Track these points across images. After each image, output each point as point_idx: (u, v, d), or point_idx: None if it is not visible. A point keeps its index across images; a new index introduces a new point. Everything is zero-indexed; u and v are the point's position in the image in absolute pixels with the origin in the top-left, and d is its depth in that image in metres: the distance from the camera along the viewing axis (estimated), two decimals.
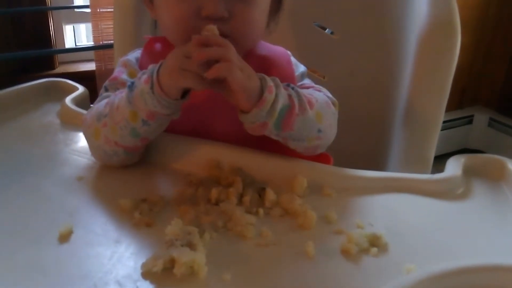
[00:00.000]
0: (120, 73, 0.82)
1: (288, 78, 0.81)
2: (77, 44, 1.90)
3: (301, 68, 0.87)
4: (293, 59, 0.87)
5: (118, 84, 0.81)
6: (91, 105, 0.82)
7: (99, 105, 0.75)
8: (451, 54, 0.88)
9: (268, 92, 0.69)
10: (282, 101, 0.70)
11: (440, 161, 0.94)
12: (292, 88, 0.74)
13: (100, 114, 0.73)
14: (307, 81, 0.87)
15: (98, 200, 0.69)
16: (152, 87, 0.68)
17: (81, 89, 0.99)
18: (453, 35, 0.87)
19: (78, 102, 0.95)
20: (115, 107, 0.71)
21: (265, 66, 0.81)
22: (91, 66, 1.72)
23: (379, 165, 1.00)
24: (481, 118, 2.60)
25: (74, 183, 0.72)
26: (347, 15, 1.10)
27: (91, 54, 1.71)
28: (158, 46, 0.85)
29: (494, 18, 2.46)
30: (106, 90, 0.82)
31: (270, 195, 0.70)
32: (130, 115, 0.70)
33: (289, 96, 0.72)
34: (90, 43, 1.77)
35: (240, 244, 0.61)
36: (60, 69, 1.75)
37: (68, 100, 0.93)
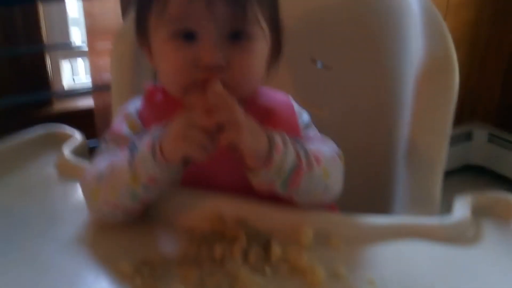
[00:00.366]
0: (121, 125, 0.81)
1: (292, 130, 0.79)
2: (75, 79, 1.89)
3: (304, 116, 0.86)
4: (296, 106, 0.86)
5: (118, 138, 0.79)
6: (90, 159, 0.80)
7: (100, 164, 0.74)
8: (450, 91, 0.87)
9: (276, 153, 0.68)
10: (290, 160, 0.69)
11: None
12: (299, 144, 0.73)
13: (100, 174, 0.72)
14: (311, 132, 0.85)
15: (98, 264, 0.66)
16: (154, 153, 0.67)
17: (78, 136, 0.97)
18: (451, 72, 0.86)
19: (76, 150, 0.93)
20: (115, 170, 0.70)
21: (268, 118, 0.79)
22: (89, 102, 1.71)
23: (384, 206, 0.98)
24: (480, 133, 2.60)
25: (74, 245, 0.70)
26: (344, 51, 1.09)
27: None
28: (159, 96, 0.83)
29: (487, 34, 2.47)
30: (106, 142, 0.80)
31: (276, 249, 0.67)
32: (131, 179, 0.68)
33: (297, 154, 0.71)
34: (89, 77, 1.75)
35: None
36: (57, 105, 1.73)
37: (66, 150, 0.91)
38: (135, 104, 0.85)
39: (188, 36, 0.72)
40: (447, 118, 0.90)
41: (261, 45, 0.76)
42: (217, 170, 0.79)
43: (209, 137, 0.64)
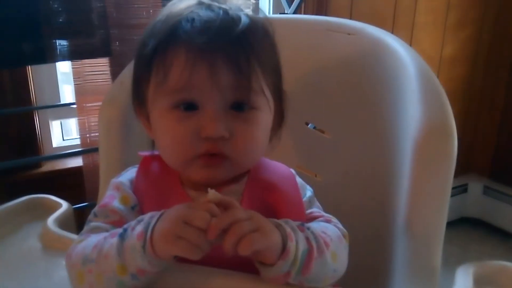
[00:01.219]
0: (112, 198, 0.77)
1: (295, 207, 0.78)
2: (65, 138, 1.87)
3: (308, 191, 0.84)
4: (298, 180, 0.84)
5: (109, 212, 0.75)
6: (76, 237, 0.75)
7: (87, 243, 0.69)
8: (450, 159, 0.85)
9: (290, 241, 0.66)
10: (302, 246, 0.67)
11: None
12: (308, 229, 0.71)
13: (86, 257, 0.67)
14: (315, 209, 0.83)
15: None
16: (144, 246, 0.62)
17: (64, 205, 0.94)
18: (450, 139, 0.84)
19: (62, 221, 0.90)
20: (103, 255, 0.65)
21: (272, 193, 0.77)
22: (78, 162, 1.68)
23: (382, 276, 0.95)
24: (475, 186, 2.62)
25: None
26: (340, 115, 1.08)
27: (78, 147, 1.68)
28: (155, 166, 0.80)
29: (480, 88, 2.51)
30: (95, 215, 0.76)
31: None
32: (119, 268, 0.64)
33: (307, 239, 0.69)
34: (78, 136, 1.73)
35: None
36: (46, 167, 1.70)
37: (50, 221, 0.88)
38: (129, 175, 0.81)
39: (190, 107, 0.70)
40: (446, 187, 0.88)
41: (265, 115, 0.74)
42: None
43: (204, 236, 0.61)
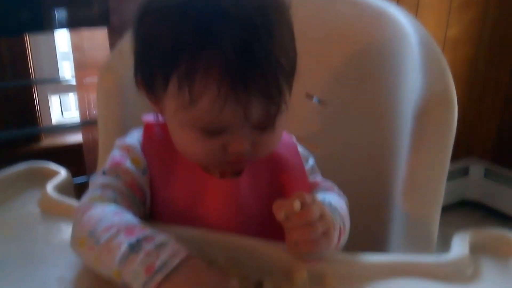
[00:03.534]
0: (123, 159, 0.76)
1: (300, 176, 0.80)
2: (64, 113, 1.87)
3: (310, 160, 0.85)
4: (300, 149, 0.85)
5: (120, 172, 0.74)
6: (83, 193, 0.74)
7: (101, 216, 0.65)
8: (450, 126, 0.85)
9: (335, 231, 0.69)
10: (337, 233, 0.70)
11: None
12: (335, 210, 0.73)
13: (94, 233, 0.64)
14: (318, 177, 0.85)
15: None
16: (147, 283, 0.58)
17: (63, 173, 0.94)
18: (450, 107, 0.84)
19: (61, 188, 0.90)
20: (108, 247, 0.62)
21: (278, 165, 0.80)
22: (78, 138, 1.69)
23: (380, 242, 0.95)
24: (476, 169, 2.61)
25: (54, 286, 0.66)
26: (340, 86, 1.07)
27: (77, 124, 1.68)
28: (157, 131, 0.79)
29: (484, 70, 2.49)
30: (104, 173, 0.74)
31: None
32: (115, 272, 0.61)
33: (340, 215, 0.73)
34: (78, 112, 1.73)
35: None
36: (46, 142, 1.71)
37: (49, 187, 0.88)
38: (135, 138, 0.80)
39: (218, 131, 0.68)
40: (446, 154, 0.88)
41: (284, 116, 0.73)
42: (210, 206, 0.76)
43: None
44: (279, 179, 0.80)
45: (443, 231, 0.89)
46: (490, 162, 2.58)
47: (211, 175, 0.77)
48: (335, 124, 1.09)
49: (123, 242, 0.60)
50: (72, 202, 0.85)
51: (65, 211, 0.83)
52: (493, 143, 2.58)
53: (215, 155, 0.70)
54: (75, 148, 1.65)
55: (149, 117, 0.81)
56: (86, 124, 1.56)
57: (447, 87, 0.86)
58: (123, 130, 0.99)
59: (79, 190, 1.00)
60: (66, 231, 0.79)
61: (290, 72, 0.70)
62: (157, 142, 0.78)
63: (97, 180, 0.74)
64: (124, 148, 0.78)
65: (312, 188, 0.82)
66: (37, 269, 0.70)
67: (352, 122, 1.07)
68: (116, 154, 0.77)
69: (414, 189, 0.87)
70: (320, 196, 0.78)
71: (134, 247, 0.59)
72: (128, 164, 0.75)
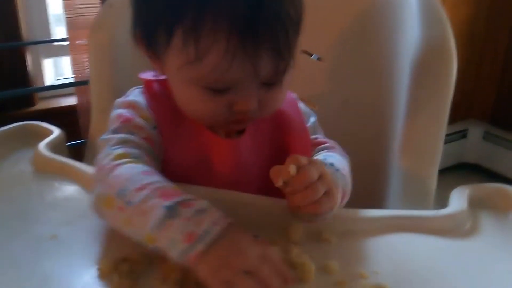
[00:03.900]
0: (131, 115, 0.72)
1: (302, 133, 0.79)
2: (59, 78, 1.85)
3: (312, 117, 0.84)
4: (301, 105, 0.83)
5: (133, 128, 0.70)
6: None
7: (130, 175, 0.61)
8: (448, 80, 0.83)
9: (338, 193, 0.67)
10: (341, 194, 0.69)
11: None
12: (337, 170, 0.72)
13: (124, 192, 0.60)
14: (320, 136, 0.84)
15: (73, 262, 0.62)
16: (186, 252, 0.54)
17: (56, 132, 0.93)
18: (449, 60, 0.83)
19: (54, 146, 0.89)
20: (141, 209, 0.58)
21: (282, 121, 0.78)
22: (72, 101, 1.67)
23: (378, 199, 0.95)
24: (475, 131, 2.61)
25: (47, 243, 0.65)
26: (338, 42, 1.05)
27: (72, 88, 1.66)
28: (156, 87, 0.77)
29: (483, 32, 2.47)
30: (116, 133, 0.70)
31: None
32: (148, 235, 0.57)
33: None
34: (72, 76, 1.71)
35: None
36: (40, 105, 1.69)
37: (42, 145, 0.86)
38: (138, 95, 0.77)
39: (224, 89, 0.66)
40: (444, 107, 0.86)
41: (289, 77, 0.71)
42: (215, 165, 0.75)
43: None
44: (281, 137, 0.79)
45: (442, 193, 0.89)
46: (489, 125, 2.58)
47: (216, 135, 0.75)
48: (333, 81, 1.08)
49: (159, 205, 0.56)
50: (65, 160, 0.83)
51: (58, 169, 0.82)
52: (492, 106, 2.57)
53: (220, 114, 0.68)
54: (70, 111, 1.63)
55: (146, 75, 0.78)
56: (80, 84, 1.54)
57: (446, 39, 0.84)
58: (116, 88, 0.98)
59: (73, 153, 0.99)
60: (59, 188, 0.79)
61: (298, 27, 0.68)
62: (161, 100, 0.75)
63: (110, 138, 0.69)
64: (129, 105, 0.74)
65: (314, 146, 0.81)
66: (30, 227, 0.69)
67: (349, 77, 1.06)
68: (121, 112, 0.73)
69: (412, 145, 0.86)
70: (322, 156, 0.77)
71: (171, 211, 0.56)
72: (138, 119, 0.72)
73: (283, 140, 0.79)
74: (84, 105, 1.58)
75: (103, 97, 1.00)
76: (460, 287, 0.60)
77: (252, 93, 0.67)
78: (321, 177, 0.63)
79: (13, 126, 0.96)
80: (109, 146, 0.68)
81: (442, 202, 0.77)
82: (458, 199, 0.76)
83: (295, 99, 0.83)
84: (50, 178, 0.81)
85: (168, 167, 0.74)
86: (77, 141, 1.48)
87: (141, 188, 0.59)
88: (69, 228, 0.68)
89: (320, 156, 0.78)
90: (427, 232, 0.70)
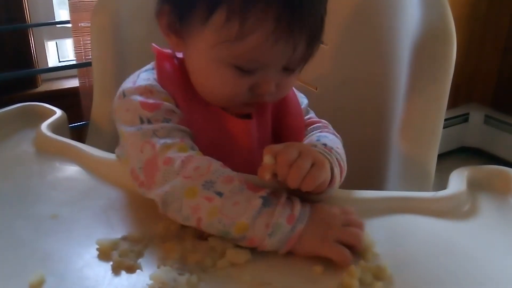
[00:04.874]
0: (157, 100, 0.70)
1: (298, 116, 0.81)
2: (61, 60, 1.84)
3: (304, 99, 0.85)
4: (294, 89, 0.84)
5: (166, 113, 0.69)
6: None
7: (212, 167, 0.63)
8: (448, 62, 0.83)
9: (335, 167, 0.69)
10: (338, 169, 0.70)
11: (438, 159, 0.90)
12: (331, 149, 0.72)
13: (211, 183, 0.62)
14: (312, 115, 0.85)
15: (74, 242, 0.62)
16: (289, 235, 0.60)
17: (58, 112, 0.93)
18: (449, 42, 0.82)
19: (56, 127, 0.89)
20: (233, 200, 0.61)
21: (279, 105, 0.79)
22: (75, 83, 1.67)
23: (378, 181, 0.95)
24: (476, 115, 2.59)
25: (48, 222, 0.66)
26: (338, 24, 1.05)
27: (74, 70, 1.66)
28: (168, 67, 0.75)
29: (484, 15, 2.45)
30: (149, 122, 0.68)
31: None
32: (241, 224, 0.60)
33: (337, 160, 0.71)
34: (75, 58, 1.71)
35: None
36: (43, 87, 1.69)
37: (44, 126, 0.87)
38: (148, 78, 0.74)
39: (253, 70, 0.67)
40: (444, 89, 0.86)
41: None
42: (232, 145, 0.75)
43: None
44: (280, 119, 0.80)
45: (443, 177, 0.89)
46: (490, 109, 2.56)
47: (230, 115, 0.75)
48: (333, 63, 1.07)
49: (254, 196, 0.61)
50: (66, 141, 0.84)
51: (59, 150, 0.83)
52: (493, 89, 2.55)
53: (241, 95, 0.69)
54: (72, 93, 1.63)
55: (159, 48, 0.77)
56: (82, 66, 1.54)
57: (445, 21, 0.84)
58: (119, 69, 0.98)
59: (76, 135, 0.99)
60: (60, 169, 0.79)
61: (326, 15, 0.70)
62: (173, 77, 0.74)
63: (155, 129, 0.67)
64: (145, 91, 0.71)
65: (307, 126, 0.82)
66: (31, 206, 0.70)
67: (348, 59, 1.05)
68: (141, 99, 0.69)
69: (412, 128, 0.86)
70: (315, 137, 0.78)
71: (267, 201, 0.61)
72: (165, 104, 0.70)
73: (281, 122, 0.80)
74: (86, 87, 1.58)
75: (105, 79, 1.00)
76: (459, 268, 0.60)
77: (275, 77, 0.68)
78: (301, 153, 0.63)
79: (16, 107, 0.96)
80: (158, 138, 0.66)
81: (444, 186, 0.77)
82: (457, 181, 0.76)
83: None
84: (52, 158, 0.82)
85: None
86: (79, 123, 1.48)
87: (229, 180, 0.62)
88: (70, 208, 0.69)
89: (313, 136, 0.78)
90: (426, 214, 0.70)
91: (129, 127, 0.68)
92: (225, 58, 0.66)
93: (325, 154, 0.69)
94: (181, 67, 0.74)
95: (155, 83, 0.72)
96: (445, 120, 1.06)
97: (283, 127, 0.80)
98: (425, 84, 0.85)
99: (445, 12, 0.85)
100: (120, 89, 0.73)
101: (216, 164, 0.64)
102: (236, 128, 0.75)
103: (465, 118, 2.60)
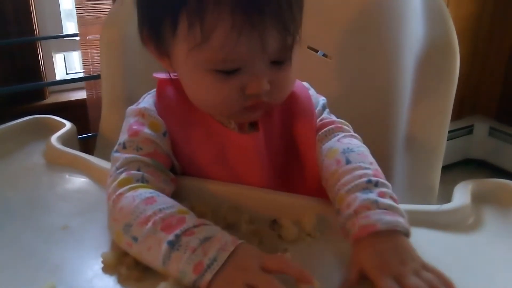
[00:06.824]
0: (140, 125, 0.72)
1: (308, 117, 0.79)
2: (69, 72, 1.86)
3: (320, 100, 0.83)
4: (312, 92, 0.83)
5: (140, 142, 0.71)
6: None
7: (133, 207, 0.62)
8: (451, 76, 0.84)
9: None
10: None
11: (442, 172, 0.90)
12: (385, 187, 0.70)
13: (128, 227, 0.61)
14: (326, 115, 0.82)
15: (83, 252, 0.63)
16: (197, 282, 0.55)
17: (68, 125, 0.95)
18: (452, 56, 0.83)
19: (65, 139, 0.91)
20: (147, 245, 0.59)
21: (290, 105, 0.78)
22: (82, 95, 1.69)
23: None
24: (481, 127, 2.59)
25: (58, 233, 0.67)
26: (342, 37, 1.06)
27: (82, 82, 1.68)
28: (169, 91, 0.77)
29: (488, 27, 2.45)
30: (125, 147, 0.71)
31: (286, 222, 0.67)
32: (161, 270, 0.58)
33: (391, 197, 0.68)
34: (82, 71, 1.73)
35: None
36: (50, 99, 1.71)
37: (54, 138, 0.88)
38: (148, 100, 0.77)
39: (233, 70, 0.66)
40: (448, 102, 0.87)
41: (296, 57, 0.71)
42: (233, 162, 0.75)
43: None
44: (290, 122, 0.79)
45: (447, 189, 0.89)
46: (495, 121, 2.56)
47: (230, 130, 0.75)
48: (337, 76, 1.08)
49: (163, 240, 0.57)
50: (76, 153, 0.85)
51: (69, 162, 0.84)
52: (498, 102, 2.55)
53: (233, 100, 0.68)
54: (79, 105, 1.65)
55: (160, 75, 0.79)
56: (90, 79, 1.56)
57: (449, 36, 0.85)
58: (127, 84, 0.99)
59: (83, 146, 1.01)
60: (70, 180, 0.81)
61: (302, 2, 0.68)
62: (173, 100, 0.76)
63: (119, 157, 0.70)
64: (138, 114, 0.74)
65: (321, 128, 0.80)
66: (41, 217, 0.71)
67: (352, 72, 1.06)
68: (131, 122, 0.73)
69: (416, 141, 0.86)
70: (342, 156, 0.73)
71: (174, 245, 0.57)
72: (146, 130, 0.72)
73: (292, 125, 0.79)
74: (93, 99, 1.60)
75: (113, 92, 1.02)
76: (462, 282, 0.60)
77: (262, 72, 0.67)
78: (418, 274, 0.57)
79: (26, 119, 0.98)
80: (115, 168, 0.69)
81: (448, 197, 0.77)
82: (461, 194, 0.76)
83: (306, 87, 0.83)
84: (62, 170, 0.83)
85: (187, 165, 0.75)
86: (86, 135, 1.50)
87: (144, 222, 0.60)
88: (80, 219, 0.70)
89: (339, 151, 0.74)
90: (431, 227, 0.70)
91: (114, 149, 0.72)
92: (201, 64, 0.66)
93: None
94: (182, 88, 0.75)
95: (152, 107, 0.75)
96: (450, 132, 1.07)
97: (294, 130, 0.79)
98: (429, 97, 0.86)
99: (448, 26, 0.86)
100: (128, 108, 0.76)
101: (139, 203, 0.62)
102: (239, 143, 0.75)
103: (469, 130, 2.60)
